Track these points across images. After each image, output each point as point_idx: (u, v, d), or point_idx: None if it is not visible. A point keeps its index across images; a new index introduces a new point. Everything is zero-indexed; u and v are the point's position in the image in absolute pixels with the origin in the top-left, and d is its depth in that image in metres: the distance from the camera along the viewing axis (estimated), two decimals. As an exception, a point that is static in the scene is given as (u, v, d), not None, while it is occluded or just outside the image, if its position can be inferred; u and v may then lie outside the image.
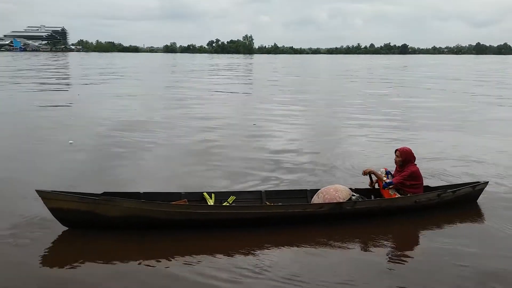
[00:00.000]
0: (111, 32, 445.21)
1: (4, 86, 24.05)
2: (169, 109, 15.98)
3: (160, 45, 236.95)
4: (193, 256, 4.52)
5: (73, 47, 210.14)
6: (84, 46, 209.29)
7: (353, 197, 5.66)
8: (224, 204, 5.63)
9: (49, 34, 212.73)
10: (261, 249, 4.74)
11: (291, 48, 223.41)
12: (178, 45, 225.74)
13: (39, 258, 4.46)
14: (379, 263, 4.56)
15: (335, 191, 5.64)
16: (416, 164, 6.04)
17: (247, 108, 16.83)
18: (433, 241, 5.13)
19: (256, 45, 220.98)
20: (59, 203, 4.82)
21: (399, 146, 6.52)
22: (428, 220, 5.68)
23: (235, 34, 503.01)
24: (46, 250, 4.64)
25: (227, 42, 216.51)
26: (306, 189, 6.11)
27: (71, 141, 9.74)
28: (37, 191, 4.84)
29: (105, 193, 5.20)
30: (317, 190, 5.87)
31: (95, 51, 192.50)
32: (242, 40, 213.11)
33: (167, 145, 9.84)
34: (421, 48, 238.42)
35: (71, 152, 9.01)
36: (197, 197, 5.70)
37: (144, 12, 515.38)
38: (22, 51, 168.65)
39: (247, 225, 5.12)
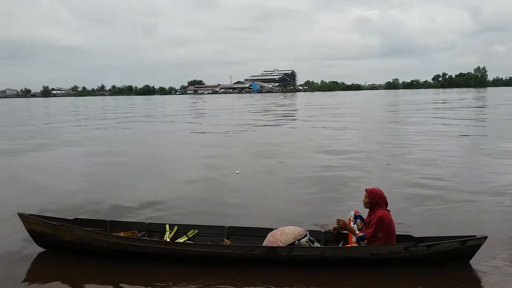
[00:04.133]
0: (334, 72, 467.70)
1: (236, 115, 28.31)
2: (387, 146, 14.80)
3: (382, 81, 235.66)
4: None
5: (300, 87, 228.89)
6: (310, 86, 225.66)
7: (300, 242, 4.97)
8: (180, 238, 5.70)
9: (281, 76, 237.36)
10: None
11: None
12: (400, 81, 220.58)
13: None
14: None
15: (281, 233, 5.15)
16: (384, 208, 5.01)
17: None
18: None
19: (490, 77, 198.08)
20: (32, 226, 5.45)
21: None
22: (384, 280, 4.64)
23: (464, 66, 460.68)
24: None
25: (456, 75, 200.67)
26: (272, 228, 5.61)
27: (237, 171, 10.45)
28: (18, 214, 5.56)
29: (75, 219, 5.90)
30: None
31: (319, 90, 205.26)
32: (473, 72, 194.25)
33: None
34: None
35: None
36: (160, 228, 5.90)
37: (365, 51, 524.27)
38: (258, 92, 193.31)
39: (178, 261, 5.10)
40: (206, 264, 5.03)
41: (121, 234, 5.60)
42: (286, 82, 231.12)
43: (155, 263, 5.12)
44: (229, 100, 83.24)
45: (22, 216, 5.59)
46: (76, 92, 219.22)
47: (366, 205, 5.21)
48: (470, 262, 4.99)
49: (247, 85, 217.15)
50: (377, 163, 11.45)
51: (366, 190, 5.24)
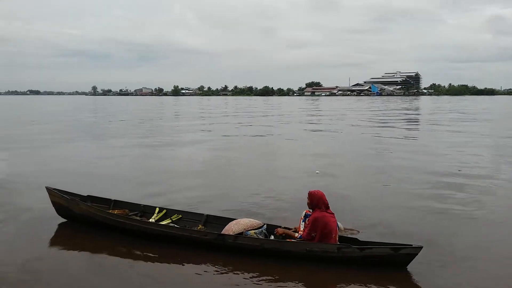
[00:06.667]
0: (464, 74, 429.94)
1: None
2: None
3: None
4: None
5: (425, 91, 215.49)
6: (436, 90, 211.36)
7: (247, 233, 5.34)
8: (164, 221, 6.42)
9: (403, 79, 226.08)
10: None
11: None
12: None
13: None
14: None
15: (236, 223, 5.62)
16: (323, 210, 5.21)
17: None
18: None
19: None
20: (53, 198, 6.68)
21: None
22: (312, 272, 4.95)
23: None
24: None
25: None
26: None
27: (317, 171, 10.79)
28: (46, 187, 6.92)
29: (88, 196, 7.01)
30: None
31: (446, 94, 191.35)
32: None
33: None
34: None
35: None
36: (152, 210, 6.71)
37: (500, 52, 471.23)
38: (378, 95, 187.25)
39: (147, 238, 5.89)
40: (169, 243, 5.72)
41: (115, 211, 6.50)
42: (409, 85, 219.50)
43: (145, 239, 5.91)
44: (351, 103, 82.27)
45: (48, 189, 6.86)
46: (202, 92, 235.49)
47: (308, 206, 5.45)
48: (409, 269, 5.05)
49: (366, 88, 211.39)
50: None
51: (308, 192, 5.45)
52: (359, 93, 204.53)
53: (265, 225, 5.73)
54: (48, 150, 15.30)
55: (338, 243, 5.20)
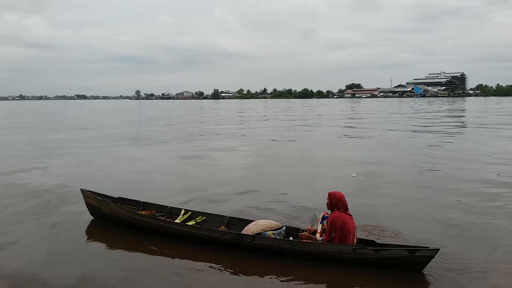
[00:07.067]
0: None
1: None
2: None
3: None
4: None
5: (471, 92, 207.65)
6: (483, 91, 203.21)
7: (265, 233, 5.50)
8: (189, 222, 6.66)
9: (448, 80, 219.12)
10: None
11: None
12: None
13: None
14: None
15: (254, 224, 5.78)
16: (342, 211, 5.28)
17: None
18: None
19: None
20: (87, 199, 7.15)
21: None
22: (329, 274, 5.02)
23: None
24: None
25: None
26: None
27: (353, 175, 10.79)
28: (81, 189, 7.36)
29: (119, 198, 7.40)
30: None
31: (494, 95, 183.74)
32: None
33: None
34: None
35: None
36: (179, 212, 6.99)
37: None
38: (421, 96, 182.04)
39: (172, 237, 6.17)
40: (193, 243, 5.97)
41: (143, 212, 6.81)
42: (454, 86, 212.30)
43: (172, 238, 6.18)
44: (393, 105, 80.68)
45: (82, 191, 7.25)
46: (242, 95, 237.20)
47: (327, 206, 5.51)
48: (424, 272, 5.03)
49: (409, 89, 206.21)
50: None
51: (328, 192, 5.50)
52: (401, 94, 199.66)
53: (284, 227, 5.85)
54: (98, 155, 15.97)
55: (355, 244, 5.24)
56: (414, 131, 24.24)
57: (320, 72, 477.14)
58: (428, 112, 48.30)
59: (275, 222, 5.90)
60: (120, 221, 6.70)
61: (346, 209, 5.36)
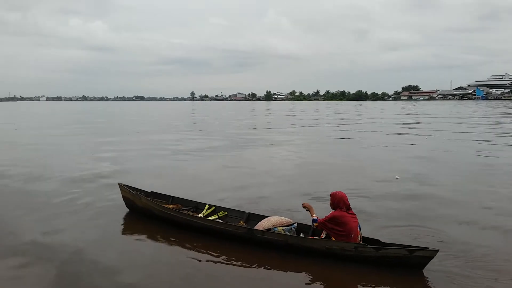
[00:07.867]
0: None
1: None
2: None
3: None
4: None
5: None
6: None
7: (274, 229, 5.88)
8: (211, 216, 7.18)
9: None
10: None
11: None
12: None
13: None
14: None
15: (266, 220, 6.19)
16: (344, 210, 5.55)
17: None
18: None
19: None
20: (123, 192, 7.91)
21: None
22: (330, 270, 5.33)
23: None
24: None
25: None
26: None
27: (397, 177, 10.85)
28: (118, 184, 8.06)
29: (151, 192, 8.04)
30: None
31: None
32: None
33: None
34: None
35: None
36: (202, 207, 7.54)
37: None
38: (483, 99, 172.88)
39: (192, 230, 6.70)
40: (212, 236, 6.46)
41: (170, 206, 7.42)
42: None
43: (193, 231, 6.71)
44: (452, 107, 77.35)
45: (120, 185, 8.00)
46: (294, 96, 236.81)
47: (330, 206, 5.81)
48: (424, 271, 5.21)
49: (470, 91, 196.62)
50: None
51: (330, 193, 5.82)
52: (462, 97, 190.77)
53: (295, 224, 6.23)
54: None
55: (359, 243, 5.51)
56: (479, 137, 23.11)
57: (374, 73, 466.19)
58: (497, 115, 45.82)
59: (286, 218, 6.29)
60: (150, 214, 7.33)
61: (348, 208, 5.63)
